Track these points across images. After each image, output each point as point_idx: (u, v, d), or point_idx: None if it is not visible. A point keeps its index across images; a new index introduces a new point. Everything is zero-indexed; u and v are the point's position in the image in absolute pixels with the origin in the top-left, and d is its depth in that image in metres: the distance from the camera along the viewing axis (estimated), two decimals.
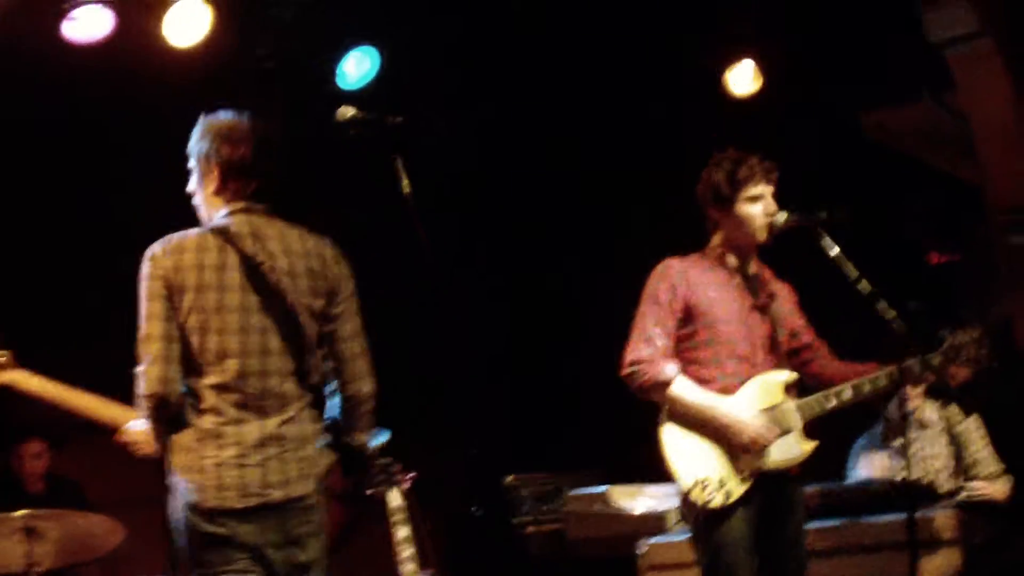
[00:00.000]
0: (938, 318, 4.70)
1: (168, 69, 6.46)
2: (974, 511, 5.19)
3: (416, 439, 6.79)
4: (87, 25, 6.07)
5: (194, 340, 3.65)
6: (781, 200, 4.59)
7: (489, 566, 7.10)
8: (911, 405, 5.99)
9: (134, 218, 5.30)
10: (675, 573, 5.39)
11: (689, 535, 4.60)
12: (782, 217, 4.56)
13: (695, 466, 4.46)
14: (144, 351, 3.63)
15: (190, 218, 3.89)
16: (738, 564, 4.40)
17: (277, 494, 3.65)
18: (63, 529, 5.63)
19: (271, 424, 3.68)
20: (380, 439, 5.06)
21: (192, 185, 3.94)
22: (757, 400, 4.52)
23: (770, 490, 4.47)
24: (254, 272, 3.72)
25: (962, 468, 6.12)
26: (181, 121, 4.02)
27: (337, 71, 7.05)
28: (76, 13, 6.02)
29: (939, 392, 6.03)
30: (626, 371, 4.56)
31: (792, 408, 4.52)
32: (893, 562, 4.84)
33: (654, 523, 5.74)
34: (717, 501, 4.40)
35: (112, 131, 6.75)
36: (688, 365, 4.55)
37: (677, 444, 4.50)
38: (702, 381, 4.52)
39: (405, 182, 3.91)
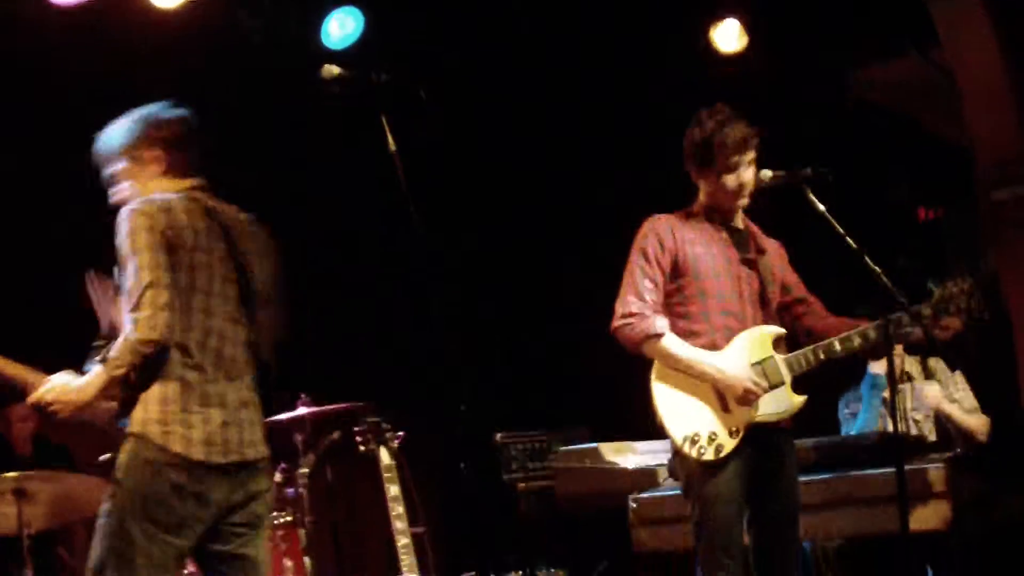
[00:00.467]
0: (927, 274, 4.70)
1: (151, 31, 6.43)
2: (962, 466, 5.22)
3: (405, 397, 6.84)
4: None
5: (183, 297, 3.75)
6: (767, 159, 4.60)
7: (479, 523, 7.13)
8: (896, 359, 6.02)
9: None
10: (665, 528, 5.41)
11: (679, 490, 4.62)
12: (767, 174, 4.56)
13: (686, 421, 4.47)
14: (150, 298, 3.66)
15: None
16: (729, 517, 4.42)
17: (251, 453, 3.84)
18: (53, 490, 5.66)
19: (243, 388, 3.87)
20: None
21: (119, 186, 4.00)
22: (747, 354, 4.53)
23: (761, 443, 4.48)
24: (232, 244, 3.90)
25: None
26: (164, 83, 4.03)
27: (321, 31, 7.02)
28: None
29: (925, 347, 6.06)
30: (617, 324, 4.56)
31: (782, 362, 4.53)
32: (883, 515, 4.86)
33: (644, 478, 5.75)
34: (709, 455, 4.42)
35: (91, 91, 6.69)
36: (677, 320, 4.56)
37: (667, 399, 4.51)
38: (691, 335, 4.53)
39: (391, 141, 3.91)
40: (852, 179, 4.89)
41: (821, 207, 4.45)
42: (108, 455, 3.84)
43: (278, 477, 5.77)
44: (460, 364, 3.84)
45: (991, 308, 4.49)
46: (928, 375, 6.37)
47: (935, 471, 5.04)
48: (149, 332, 3.64)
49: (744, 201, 4.60)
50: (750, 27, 7.63)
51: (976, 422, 6.21)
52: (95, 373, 3.71)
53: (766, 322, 4.61)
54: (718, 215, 4.65)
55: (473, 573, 6.52)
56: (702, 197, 4.67)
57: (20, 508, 5.51)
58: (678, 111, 4.74)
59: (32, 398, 3.81)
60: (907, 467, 4.48)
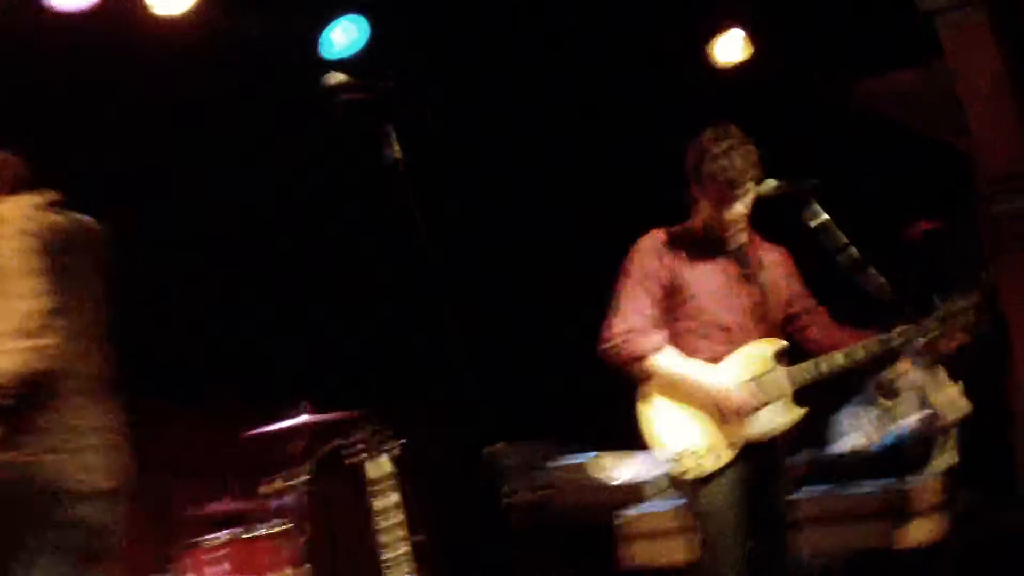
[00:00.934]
0: (928, 285, 4.69)
1: (154, 39, 6.42)
2: (957, 480, 5.22)
3: (403, 407, 6.83)
4: None
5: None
6: (769, 169, 4.59)
7: (474, 533, 7.12)
8: (896, 370, 6.01)
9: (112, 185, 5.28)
10: (651, 543, 5.40)
11: (670, 504, 4.62)
12: (771, 184, 4.56)
13: (683, 436, 4.47)
14: (45, 322, 3.48)
15: (176, 184, 3.89)
16: (727, 527, 4.43)
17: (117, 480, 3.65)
18: None
19: (108, 410, 3.68)
20: None
21: None
22: (743, 369, 4.53)
23: (757, 459, 4.49)
24: (96, 261, 3.75)
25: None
26: (167, 91, 4.01)
27: (324, 40, 7.02)
28: None
29: (929, 360, 6.05)
30: (613, 342, 4.55)
31: (782, 375, 4.53)
32: (878, 529, 4.86)
33: (639, 492, 5.74)
34: (707, 468, 4.42)
35: (95, 100, 6.69)
36: (673, 337, 4.56)
37: (664, 415, 4.51)
38: (688, 352, 4.53)
39: (396, 147, 3.90)
40: (853, 189, 4.89)
41: (826, 216, 4.45)
42: None
43: (278, 485, 5.76)
44: (463, 372, 3.83)
45: (992, 318, 4.49)
46: (931, 387, 6.34)
47: (929, 485, 5.03)
48: (41, 362, 3.45)
49: (741, 229, 4.58)
50: (754, 37, 7.64)
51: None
52: None
53: (767, 336, 4.60)
54: (719, 227, 4.64)
55: None
56: (701, 211, 4.66)
57: None
58: (683, 122, 4.74)
59: None
60: (904, 480, 4.49)
